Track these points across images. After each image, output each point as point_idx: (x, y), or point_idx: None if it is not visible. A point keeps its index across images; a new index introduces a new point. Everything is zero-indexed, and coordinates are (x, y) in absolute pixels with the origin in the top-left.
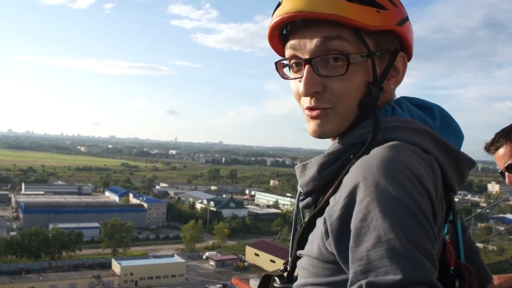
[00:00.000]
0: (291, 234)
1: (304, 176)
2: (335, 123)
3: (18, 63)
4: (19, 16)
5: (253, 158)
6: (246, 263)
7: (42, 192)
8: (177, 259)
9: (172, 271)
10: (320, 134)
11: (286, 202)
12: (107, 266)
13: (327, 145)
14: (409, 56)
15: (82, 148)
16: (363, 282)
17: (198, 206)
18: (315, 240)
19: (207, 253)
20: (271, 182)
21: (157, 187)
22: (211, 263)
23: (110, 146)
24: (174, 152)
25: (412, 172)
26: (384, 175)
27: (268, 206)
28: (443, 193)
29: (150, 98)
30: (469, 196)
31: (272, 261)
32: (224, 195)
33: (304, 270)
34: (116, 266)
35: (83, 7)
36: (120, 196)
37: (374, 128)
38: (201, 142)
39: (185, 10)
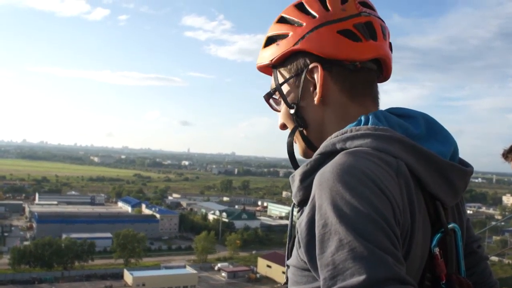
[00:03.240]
0: (287, 246)
1: (293, 187)
2: (303, 146)
3: (33, 74)
4: (35, 28)
5: (265, 169)
6: (258, 275)
7: (56, 202)
8: (189, 270)
9: (184, 282)
10: (302, 156)
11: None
12: (119, 276)
13: None
14: (330, 61)
15: (95, 159)
16: None
17: (211, 217)
18: (294, 250)
19: (219, 264)
20: (284, 193)
21: (169, 198)
22: (223, 274)
23: (123, 156)
24: (186, 163)
25: (366, 174)
26: (337, 180)
27: (281, 218)
28: (423, 200)
29: (163, 109)
30: (483, 209)
31: (284, 272)
32: (236, 206)
33: (290, 279)
34: (128, 277)
35: (98, 19)
36: (132, 206)
37: (290, 141)
38: (213, 153)
39: (198, 21)
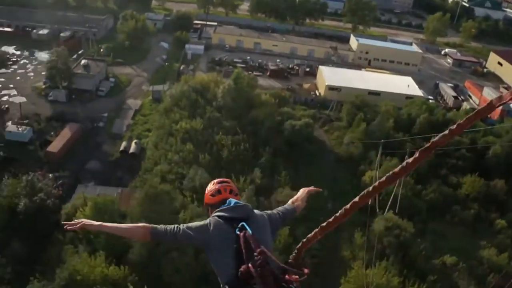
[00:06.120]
0: None
1: None
2: None
3: None
4: None
5: None
6: (485, 70)
7: None
8: (415, 48)
9: (407, 59)
10: None
11: None
12: (346, 40)
13: None
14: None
15: None
16: None
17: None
18: None
19: (446, 50)
20: None
21: None
22: (448, 60)
23: None
24: None
25: (210, 221)
26: None
27: None
28: (224, 222)
29: None
30: None
31: None
32: None
33: None
34: (354, 42)
35: None
36: None
37: None
38: None
39: None
